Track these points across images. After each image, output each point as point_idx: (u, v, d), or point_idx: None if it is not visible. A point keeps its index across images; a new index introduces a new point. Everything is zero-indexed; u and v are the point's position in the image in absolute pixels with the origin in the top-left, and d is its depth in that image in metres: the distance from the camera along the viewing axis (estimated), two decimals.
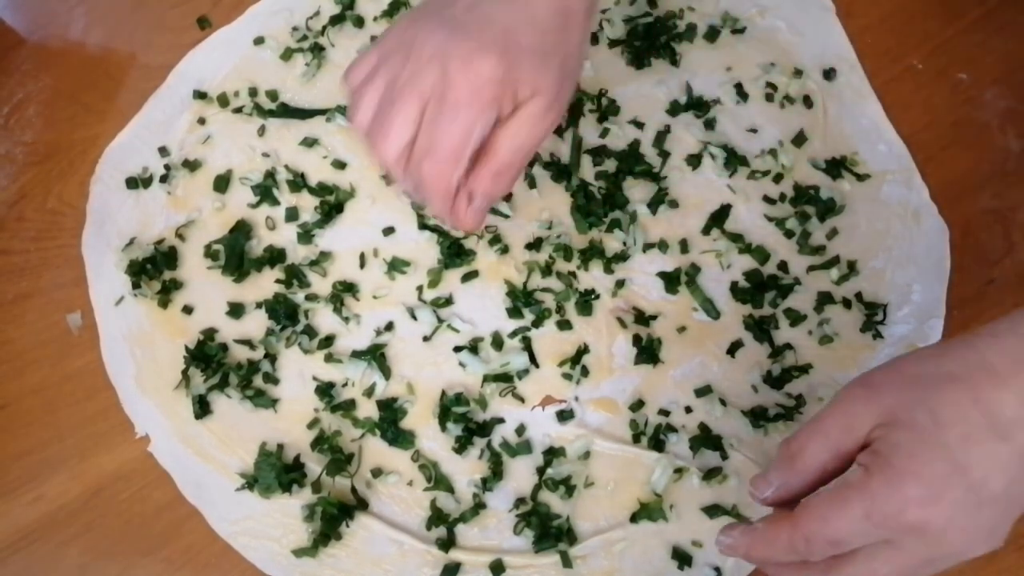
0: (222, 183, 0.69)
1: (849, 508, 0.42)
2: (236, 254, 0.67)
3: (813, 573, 0.44)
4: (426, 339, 0.64)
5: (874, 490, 0.42)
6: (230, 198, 0.69)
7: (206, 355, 0.64)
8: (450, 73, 0.47)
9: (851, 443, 0.45)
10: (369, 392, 0.63)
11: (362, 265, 0.66)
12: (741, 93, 0.71)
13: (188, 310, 0.66)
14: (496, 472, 0.60)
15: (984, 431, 0.42)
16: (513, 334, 0.64)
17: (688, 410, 0.62)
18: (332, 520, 0.59)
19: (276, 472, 0.60)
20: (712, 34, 0.73)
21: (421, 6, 0.52)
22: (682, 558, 0.58)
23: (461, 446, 0.61)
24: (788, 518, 0.44)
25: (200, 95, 0.72)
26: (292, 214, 0.68)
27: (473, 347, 0.64)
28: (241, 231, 0.68)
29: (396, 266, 0.66)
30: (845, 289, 0.65)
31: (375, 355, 0.63)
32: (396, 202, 0.68)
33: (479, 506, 0.60)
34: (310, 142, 0.70)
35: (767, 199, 0.68)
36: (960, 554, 0.43)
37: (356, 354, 0.64)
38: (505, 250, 0.66)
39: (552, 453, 0.61)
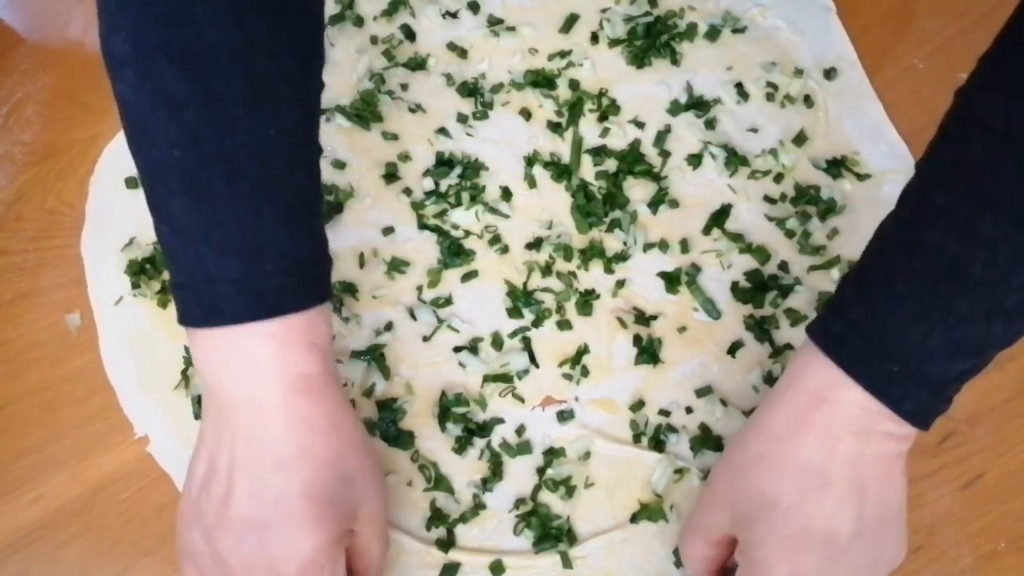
0: None
1: None
2: None
3: None
4: (425, 339, 0.64)
5: None
6: None
7: None
8: None
9: (717, 535, 0.50)
10: (368, 392, 0.63)
11: (361, 265, 0.66)
12: (742, 92, 0.71)
13: None
14: (496, 472, 0.60)
15: (806, 489, 0.45)
16: (513, 334, 0.64)
17: (689, 410, 0.62)
18: None
19: None
20: (713, 33, 0.73)
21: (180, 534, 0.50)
22: None
23: (461, 446, 0.61)
24: None
25: None
26: None
27: (473, 347, 0.64)
28: None
29: (395, 266, 0.66)
30: None
31: (374, 355, 0.63)
32: (395, 202, 0.68)
33: (479, 506, 0.60)
34: None
35: (768, 199, 0.68)
36: None
37: (355, 354, 0.63)
38: (505, 250, 0.66)
39: (552, 453, 0.61)
